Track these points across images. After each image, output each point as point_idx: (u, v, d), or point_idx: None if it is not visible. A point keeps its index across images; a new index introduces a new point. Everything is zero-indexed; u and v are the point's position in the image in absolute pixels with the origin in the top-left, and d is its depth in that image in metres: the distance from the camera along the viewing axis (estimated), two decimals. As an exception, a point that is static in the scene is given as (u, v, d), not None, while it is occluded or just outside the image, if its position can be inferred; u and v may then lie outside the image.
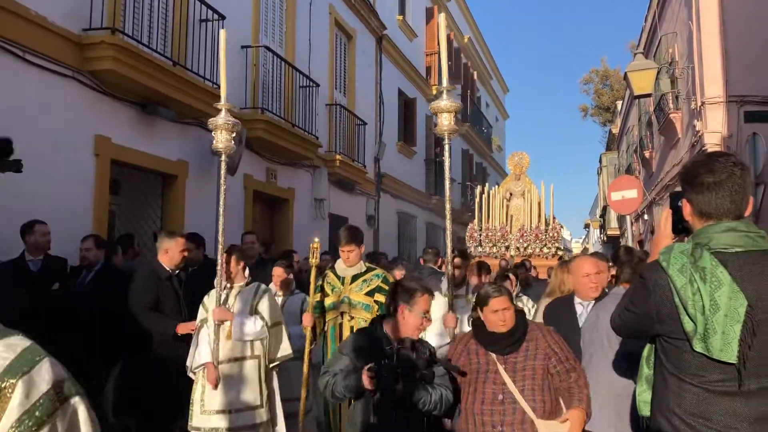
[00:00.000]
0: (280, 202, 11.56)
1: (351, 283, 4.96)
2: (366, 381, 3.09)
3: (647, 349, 2.25)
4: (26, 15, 6.18)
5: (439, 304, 4.56)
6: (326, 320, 5.03)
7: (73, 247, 6.56)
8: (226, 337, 4.75)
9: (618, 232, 24.98)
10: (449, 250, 4.42)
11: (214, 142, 4.76)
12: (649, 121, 15.57)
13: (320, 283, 5.05)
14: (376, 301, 4.82)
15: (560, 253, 13.97)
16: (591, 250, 43.57)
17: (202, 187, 8.96)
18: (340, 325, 4.91)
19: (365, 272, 5.01)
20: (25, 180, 5.78)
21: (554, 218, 14.51)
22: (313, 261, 4.91)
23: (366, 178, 14.81)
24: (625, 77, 11.05)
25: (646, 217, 17.41)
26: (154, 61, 7.30)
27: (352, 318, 4.86)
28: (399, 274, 7.01)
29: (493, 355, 3.27)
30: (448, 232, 4.40)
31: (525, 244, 13.89)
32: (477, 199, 14.80)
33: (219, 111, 4.70)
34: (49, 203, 6.36)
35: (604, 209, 26.74)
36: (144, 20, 7.69)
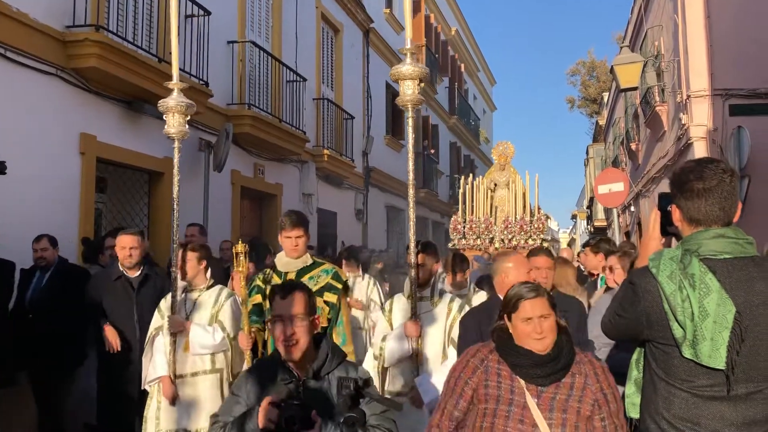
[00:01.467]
0: (267, 197, 11.52)
1: None
2: (259, 426, 2.12)
3: (637, 353, 2.27)
4: (7, 12, 6.09)
5: (402, 308, 4.10)
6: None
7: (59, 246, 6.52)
8: (184, 349, 4.25)
9: (605, 223, 25.12)
10: (411, 243, 3.70)
11: (165, 126, 4.26)
12: (635, 114, 15.64)
13: (257, 282, 4.24)
14: (326, 302, 4.04)
15: (545, 244, 13.90)
16: (578, 241, 43.86)
17: (190, 184, 8.89)
18: None
19: (312, 267, 4.18)
20: (9, 180, 5.72)
21: (539, 209, 14.22)
22: (241, 269, 4.06)
23: (354, 173, 14.79)
24: (612, 71, 11.09)
25: (632, 208, 17.52)
26: (139, 58, 7.23)
27: None
28: (346, 268, 6.67)
29: (522, 382, 2.40)
30: (411, 222, 3.72)
31: (510, 236, 13.56)
32: (461, 190, 14.50)
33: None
34: (34, 203, 6.31)
35: (591, 200, 26.88)
36: (129, 17, 7.62)
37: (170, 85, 4.30)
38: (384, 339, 3.91)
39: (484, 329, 2.97)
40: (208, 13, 8.63)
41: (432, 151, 21.79)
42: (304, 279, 4.02)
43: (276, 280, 4.15)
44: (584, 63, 33.88)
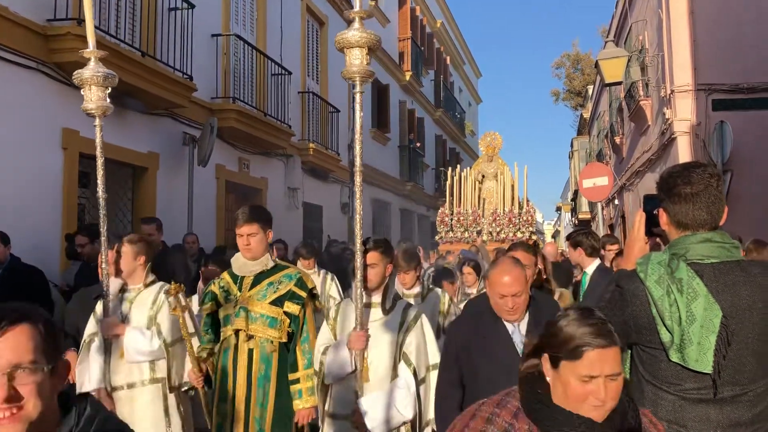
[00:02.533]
0: (253, 192, 11.46)
1: (251, 288, 3.59)
2: None
3: (623, 354, 2.28)
4: (-13, 6, 5.99)
5: (349, 316, 3.53)
6: (221, 339, 3.67)
7: (41, 242, 6.45)
8: (120, 357, 3.79)
9: (589, 216, 25.30)
10: (357, 240, 3.06)
11: (84, 102, 3.74)
12: (619, 107, 15.73)
13: (212, 288, 3.74)
14: (286, 313, 3.54)
15: (534, 237, 13.85)
16: (563, 233, 44.11)
17: (174, 179, 8.84)
18: (235, 347, 3.55)
19: (273, 271, 3.64)
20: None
21: (528, 201, 14.04)
22: (177, 308, 3.62)
23: (340, 166, 14.75)
24: (597, 65, 11.13)
25: (616, 202, 17.64)
26: (122, 52, 7.14)
27: (251, 338, 3.52)
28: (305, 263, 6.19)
29: None
30: (358, 215, 3.07)
31: (498, 229, 13.37)
32: (448, 182, 14.24)
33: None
34: (16, 198, 6.23)
35: (576, 193, 27.05)
36: (111, 10, 7.51)
37: (86, 54, 3.71)
38: (325, 351, 3.34)
39: (472, 343, 2.84)
40: (191, 6, 8.54)
41: (418, 144, 21.80)
42: (262, 285, 3.57)
43: (231, 286, 3.64)
44: (569, 55, 34.03)
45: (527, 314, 2.94)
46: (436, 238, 14.11)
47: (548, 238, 53.00)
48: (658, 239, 2.31)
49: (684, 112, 10.15)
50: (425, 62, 22.76)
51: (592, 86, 25.86)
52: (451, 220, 13.69)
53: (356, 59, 2.99)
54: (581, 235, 5.11)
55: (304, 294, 3.61)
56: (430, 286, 4.85)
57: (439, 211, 14.23)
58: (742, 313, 1.96)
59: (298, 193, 12.71)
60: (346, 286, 6.38)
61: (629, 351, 2.24)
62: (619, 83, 11.43)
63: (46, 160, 6.72)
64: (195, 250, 7.62)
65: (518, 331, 2.90)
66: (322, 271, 6.53)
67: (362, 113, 3.18)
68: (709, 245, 2.03)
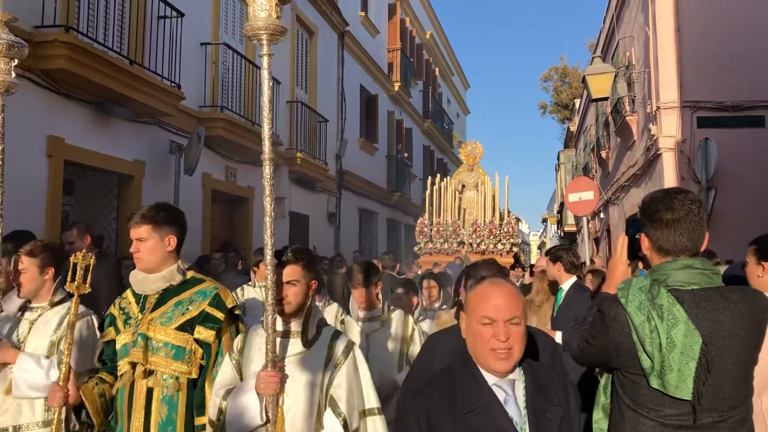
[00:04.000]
0: (239, 201, 11.42)
1: (155, 309, 2.81)
2: None
3: (604, 378, 2.29)
4: (-27, 11, 5.94)
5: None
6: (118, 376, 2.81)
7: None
8: (5, 393, 3.02)
9: (575, 228, 25.42)
10: (268, 252, 2.46)
11: None
12: (606, 122, 15.86)
13: (111, 310, 2.94)
14: (197, 341, 2.76)
15: (515, 249, 13.68)
16: (549, 244, 44.25)
17: (160, 187, 8.78)
18: (131, 387, 2.72)
19: (183, 287, 2.86)
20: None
21: (509, 212, 13.80)
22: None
23: (327, 176, 14.75)
24: (584, 81, 11.23)
25: (602, 215, 17.75)
26: (109, 59, 7.11)
27: (150, 373, 2.71)
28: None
29: None
30: (268, 218, 2.53)
31: (478, 240, 13.15)
32: (428, 191, 13.96)
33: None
34: (-2, 207, 6.15)
35: (562, 205, 27.18)
36: (99, 17, 7.49)
37: None
38: (226, 396, 2.55)
39: (444, 424, 1.93)
40: (181, 14, 8.53)
41: (405, 154, 21.86)
42: (168, 306, 2.80)
43: (132, 308, 2.86)
44: (557, 69, 34.28)
45: (521, 368, 2.05)
46: (415, 249, 13.82)
47: (534, 249, 53.27)
48: (640, 264, 2.32)
49: (669, 129, 10.26)
50: (414, 73, 22.86)
51: (579, 100, 26.06)
52: (431, 230, 13.38)
53: (262, 11, 2.38)
54: (562, 250, 5.16)
55: (220, 315, 2.79)
56: (391, 307, 4.05)
57: (418, 221, 13.84)
58: (722, 340, 1.98)
59: (285, 203, 12.67)
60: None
61: (610, 376, 2.26)
62: (606, 99, 11.52)
63: (30, 167, 6.66)
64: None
65: (514, 399, 1.99)
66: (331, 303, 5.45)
67: (270, 89, 2.46)
68: (689, 272, 2.05)
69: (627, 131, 12.69)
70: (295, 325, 2.61)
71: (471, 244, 13.14)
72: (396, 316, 3.93)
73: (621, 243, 2.36)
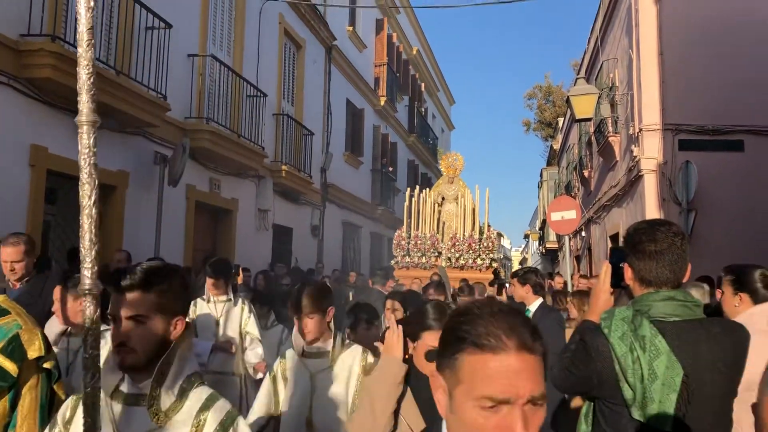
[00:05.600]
0: (223, 213, 11.37)
1: None
2: None
3: (586, 406, 2.31)
4: (-41, 19, 5.90)
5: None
6: None
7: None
8: None
9: (557, 246, 25.59)
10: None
11: None
12: (588, 141, 16.03)
13: None
14: None
15: (495, 265, 13.31)
16: (530, 260, 44.41)
17: (143, 198, 8.73)
18: None
19: None
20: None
21: (489, 226, 13.46)
22: None
23: (312, 189, 14.74)
24: (568, 101, 11.35)
25: (583, 233, 17.89)
26: (96, 69, 7.06)
27: None
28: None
29: None
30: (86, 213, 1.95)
31: (457, 254, 12.77)
32: (406, 203, 13.55)
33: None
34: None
35: (544, 222, 27.35)
36: (86, 27, 7.44)
37: None
38: None
39: None
40: (169, 26, 8.52)
41: (390, 168, 21.92)
42: None
43: None
44: (541, 87, 34.63)
45: None
46: (392, 262, 13.39)
47: (516, 265, 53.42)
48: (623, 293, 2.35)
49: (651, 151, 10.39)
50: (400, 88, 22.98)
51: (562, 118, 26.33)
52: (408, 243, 12.98)
53: None
54: (531, 272, 5.23)
55: (12, 369, 2.10)
56: (347, 340, 3.21)
57: (396, 233, 13.41)
58: (703, 371, 2.00)
59: (269, 215, 12.64)
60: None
61: (591, 404, 2.27)
62: (589, 119, 11.65)
63: (12, 176, 6.60)
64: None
65: None
66: (240, 300, 5.20)
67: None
68: (671, 303, 2.08)
69: (609, 151, 12.84)
70: (139, 386, 1.74)
71: (449, 258, 12.84)
72: (350, 352, 3.06)
73: (604, 271, 2.39)
